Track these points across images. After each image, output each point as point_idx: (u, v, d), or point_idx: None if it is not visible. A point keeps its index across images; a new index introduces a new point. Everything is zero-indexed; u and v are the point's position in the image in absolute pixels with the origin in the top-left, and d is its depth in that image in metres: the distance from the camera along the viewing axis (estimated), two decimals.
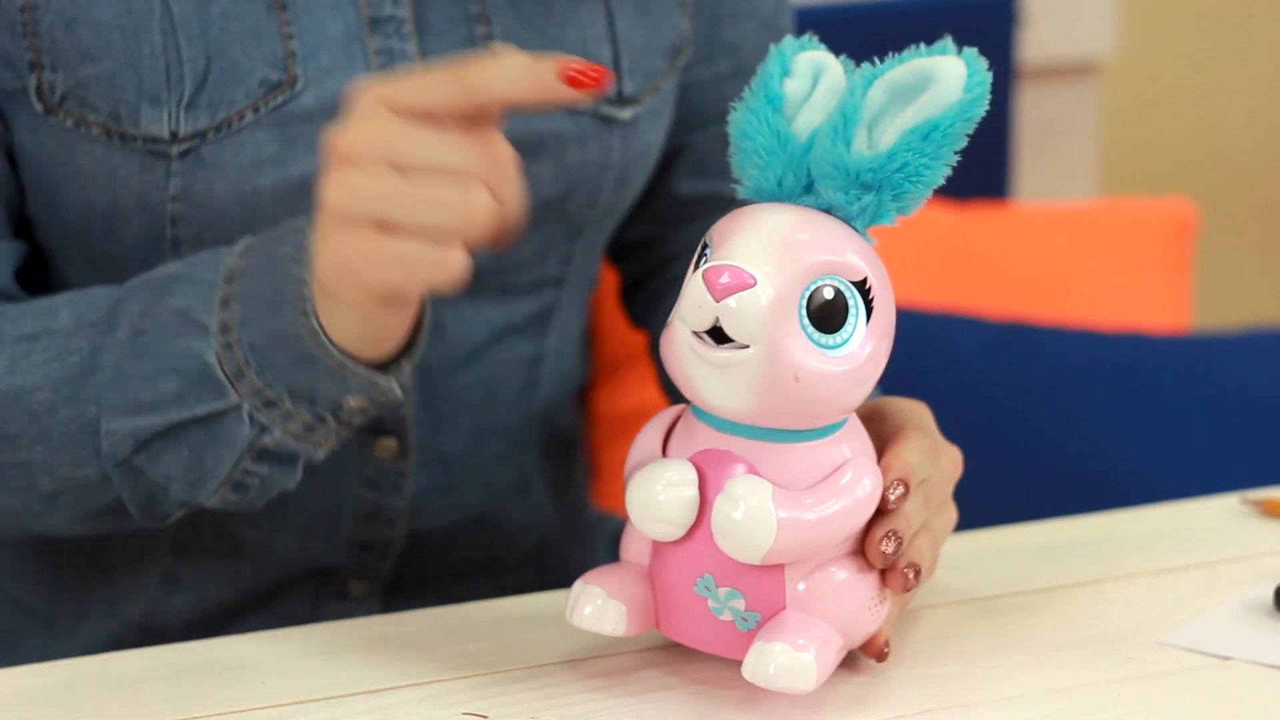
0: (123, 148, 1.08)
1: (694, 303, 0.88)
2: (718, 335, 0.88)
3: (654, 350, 1.27)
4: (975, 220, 1.88)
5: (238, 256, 1.00)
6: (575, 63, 0.89)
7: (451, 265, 0.91)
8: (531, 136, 1.14)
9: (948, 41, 0.90)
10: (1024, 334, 1.75)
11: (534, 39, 1.14)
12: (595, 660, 0.98)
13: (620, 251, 1.30)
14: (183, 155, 1.08)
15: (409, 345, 1.00)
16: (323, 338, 0.96)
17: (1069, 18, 2.21)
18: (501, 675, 0.97)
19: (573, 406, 1.32)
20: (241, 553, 1.17)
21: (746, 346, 0.88)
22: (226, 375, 0.99)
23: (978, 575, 1.08)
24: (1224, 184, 2.67)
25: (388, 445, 1.17)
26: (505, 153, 0.92)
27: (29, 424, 1.03)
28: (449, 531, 1.21)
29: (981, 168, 2.03)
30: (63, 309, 1.04)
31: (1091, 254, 1.87)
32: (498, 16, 1.14)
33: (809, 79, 0.93)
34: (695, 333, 0.88)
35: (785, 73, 0.93)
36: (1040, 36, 2.17)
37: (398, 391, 0.99)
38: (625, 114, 1.17)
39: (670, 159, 1.25)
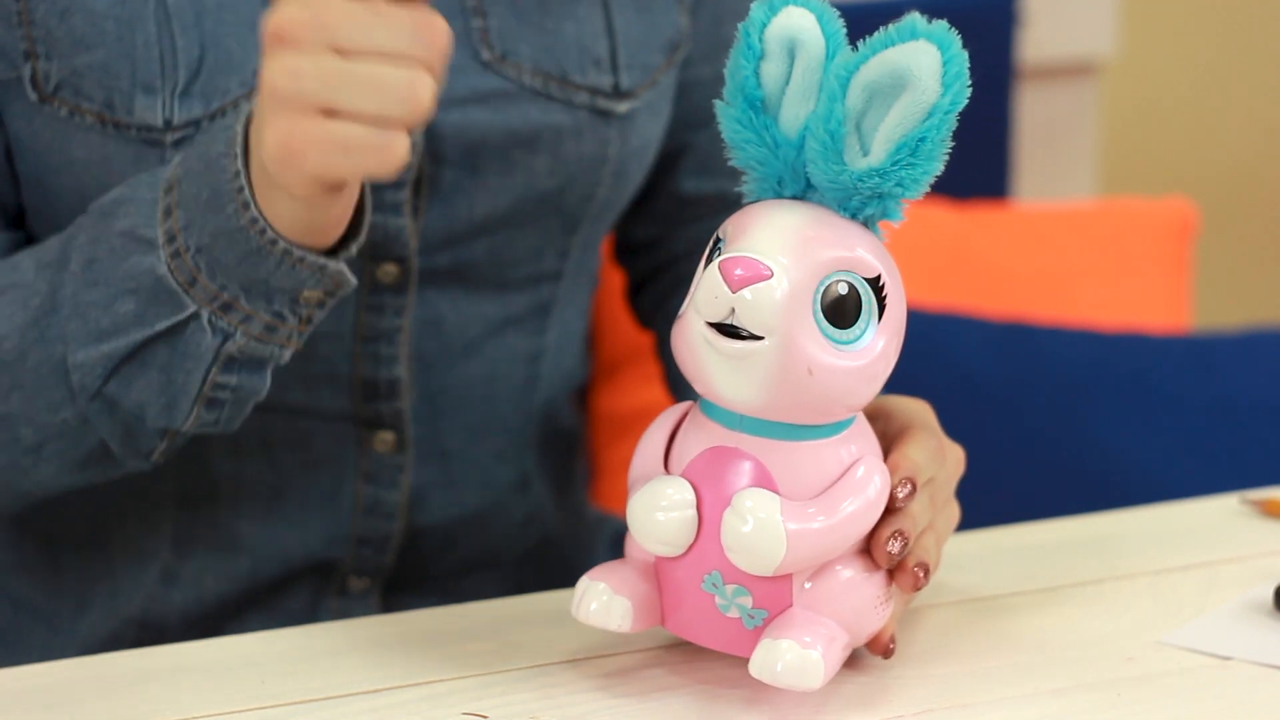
0: (117, 136, 1.08)
1: (709, 293, 0.88)
2: (732, 328, 0.88)
3: (661, 351, 1.27)
4: (975, 220, 1.88)
5: (174, 166, 1.00)
6: None
7: (395, 150, 0.91)
8: (527, 130, 1.14)
9: (915, 20, 0.88)
10: (1024, 334, 1.75)
11: (530, 32, 1.14)
12: (596, 660, 0.98)
13: (625, 251, 1.30)
14: (176, 144, 1.08)
15: (352, 230, 1.00)
16: (265, 227, 0.97)
17: (1069, 18, 2.21)
18: (502, 675, 0.97)
19: (573, 405, 1.32)
20: (240, 548, 1.17)
21: (761, 338, 0.88)
22: (179, 284, 0.99)
23: (978, 575, 1.08)
24: (1224, 184, 2.67)
25: (385, 439, 1.17)
26: (442, 29, 0.91)
27: (2, 374, 1.04)
28: (449, 527, 1.21)
29: (981, 168, 2.03)
30: (24, 261, 1.06)
31: (1091, 254, 1.87)
32: (494, 10, 1.14)
33: (784, 59, 0.91)
34: (709, 324, 0.88)
35: (758, 58, 0.91)
36: (1040, 36, 2.16)
37: (349, 276, 1.00)
38: (622, 108, 1.17)
39: (674, 158, 1.25)
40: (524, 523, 1.24)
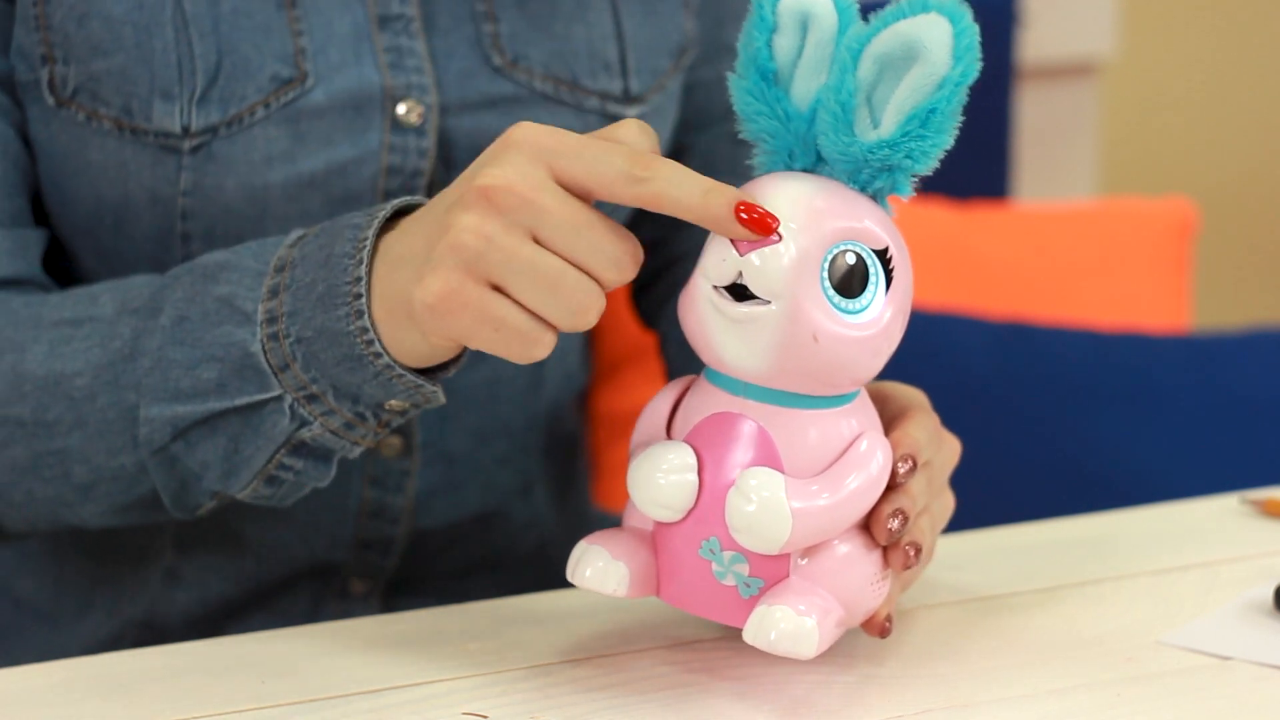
0: (134, 142, 1.08)
1: (717, 257, 0.88)
2: (739, 292, 0.88)
3: (665, 351, 1.27)
4: (975, 220, 1.88)
5: (288, 247, 0.99)
6: (750, 204, 0.88)
7: (543, 346, 0.90)
8: None
9: None
10: (1024, 334, 1.75)
11: (541, 37, 1.14)
12: (596, 660, 0.98)
13: None
14: (194, 150, 1.08)
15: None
16: (374, 340, 0.95)
17: (1069, 18, 2.21)
18: (501, 675, 0.97)
19: (575, 409, 1.32)
20: (244, 549, 1.18)
21: (768, 303, 0.88)
22: (271, 366, 0.98)
23: (978, 575, 1.08)
24: (1224, 184, 2.67)
25: (392, 443, 1.17)
26: (638, 260, 0.90)
27: (67, 410, 1.03)
28: (451, 530, 1.21)
29: (981, 168, 2.03)
30: (104, 295, 1.04)
31: (1091, 254, 1.87)
32: (504, 15, 1.14)
33: (797, 33, 0.92)
34: (716, 288, 0.89)
35: (771, 31, 0.92)
36: (1040, 36, 2.17)
37: (441, 397, 0.98)
38: (631, 112, 1.17)
39: (676, 159, 1.24)
40: (525, 526, 1.24)
